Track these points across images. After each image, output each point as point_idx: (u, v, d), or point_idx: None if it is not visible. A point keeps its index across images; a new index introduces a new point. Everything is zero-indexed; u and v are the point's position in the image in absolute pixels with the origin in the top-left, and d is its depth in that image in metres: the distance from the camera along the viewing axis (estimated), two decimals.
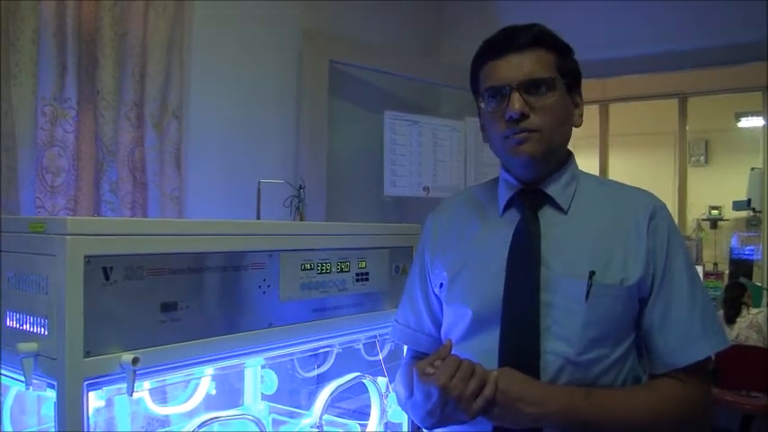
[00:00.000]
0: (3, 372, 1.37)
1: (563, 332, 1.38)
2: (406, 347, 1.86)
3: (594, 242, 1.43)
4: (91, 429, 1.28)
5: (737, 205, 6.50)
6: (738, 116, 6.90)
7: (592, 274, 1.38)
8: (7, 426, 1.64)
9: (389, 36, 3.38)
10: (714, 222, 7.29)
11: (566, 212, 1.47)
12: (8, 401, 1.62)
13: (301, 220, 2.33)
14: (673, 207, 6.61)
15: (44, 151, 2.07)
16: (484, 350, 1.43)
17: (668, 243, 1.42)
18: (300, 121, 2.88)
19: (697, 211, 7.14)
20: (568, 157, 1.53)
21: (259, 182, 2.30)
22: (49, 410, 1.66)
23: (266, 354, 1.62)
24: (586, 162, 6.28)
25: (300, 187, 2.34)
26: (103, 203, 2.18)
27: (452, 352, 1.52)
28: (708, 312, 1.43)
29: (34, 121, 2.02)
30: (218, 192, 2.57)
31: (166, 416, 1.92)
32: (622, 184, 1.55)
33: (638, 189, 1.52)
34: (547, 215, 1.47)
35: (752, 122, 6.71)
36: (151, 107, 2.29)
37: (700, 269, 4.69)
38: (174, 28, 2.37)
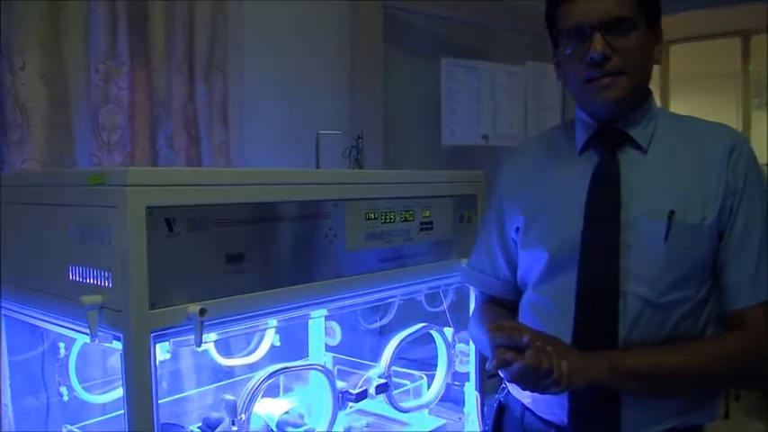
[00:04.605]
0: (67, 325, 1.37)
1: (643, 274, 1.35)
2: (473, 296, 1.84)
3: (674, 181, 1.38)
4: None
5: None
6: None
7: (671, 214, 1.33)
8: (74, 378, 1.66)
9: None
10: None
11: (645, 152, 1.42)
12: (73, 355, 1.63)
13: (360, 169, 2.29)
14: None
15: (99, 109, 2.05)
16: (560, 293, 1.42)
17: (746, 178, 1.36)
18: (355, 70, 2.81)
19: (760, 156, 6.89)
20: (648, 95, 1.46)
21: (318, 133, 2.27)
22: (115, 362, 1.68)
23: (334, 304, 1.59)
24: None
25: (359, 137, 2.30)
26: (161, 158, 2.16)
27: (529, 296, 1.52)
28: None
29: (87, 78, 1.99)
30: (274, 143, 2.53)
31: (231, 368, 1.93)
32: (702, 119, 1.48)
33: (719, 124, 1.46)
34: (626, 155, 1.42)
35: None
36: (200, 61, 2.26)
37: None
38: None
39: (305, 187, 1.51)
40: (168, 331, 1.26)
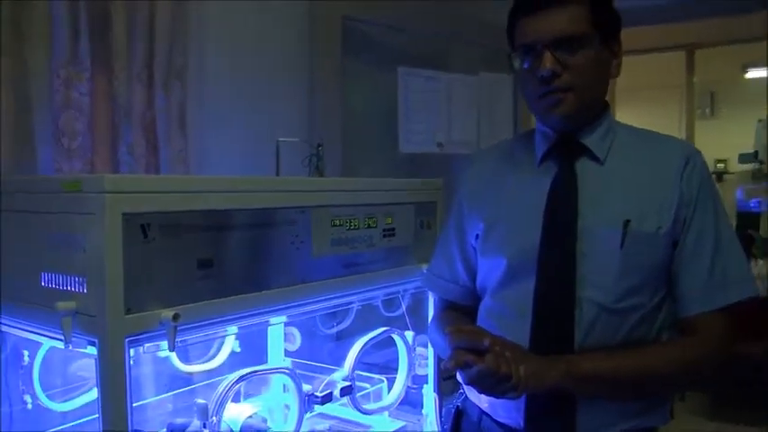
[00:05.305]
0: (40, 331, 1.38)
1: (599, 280, 1.39)
2: (431, 300, 1.88)
3: (630, 192, 1.43)
4: None
5: (744, 158, 6.44)
6: (745, 67, 6.77)
7: (627, 223, 1.39)
8: (37, 386, 1.65)
9: None
10: (719, 176, 7.21)
11: (602, 163, 1.47)
12: (37, 362, 1.63)
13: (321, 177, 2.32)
14: None
15: (60, 115, 2.04)
16: (518, 300, 1.46)
17: (699, 189, 1.42)
18: (314, 79, 2.84)
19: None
20: (605, 107, 1.52)
21: (278, 141, 2.29)
22: (79, 369, 1.68)
23: (299, 309, 1.63)
24: None
25: (319, 145, 2.32)
26: (122, 165, 2.16)
27: (487, 302, 1.55)
28: (733, 260, 1.43)
29: (49, 83, 1.99)
30: (233, 151, 2.54)
31: (190, 374, 1.93)
32: (657, 133, 1.54)
33: (673, 137, 1.52)
34: (583, 166, 1.47)
35: (759, 73, 6.54)
36: (160, 67, 2.26)
37: None
38: None
39: (274, 195, 1.54)
40: (142, 336, 1.27)
